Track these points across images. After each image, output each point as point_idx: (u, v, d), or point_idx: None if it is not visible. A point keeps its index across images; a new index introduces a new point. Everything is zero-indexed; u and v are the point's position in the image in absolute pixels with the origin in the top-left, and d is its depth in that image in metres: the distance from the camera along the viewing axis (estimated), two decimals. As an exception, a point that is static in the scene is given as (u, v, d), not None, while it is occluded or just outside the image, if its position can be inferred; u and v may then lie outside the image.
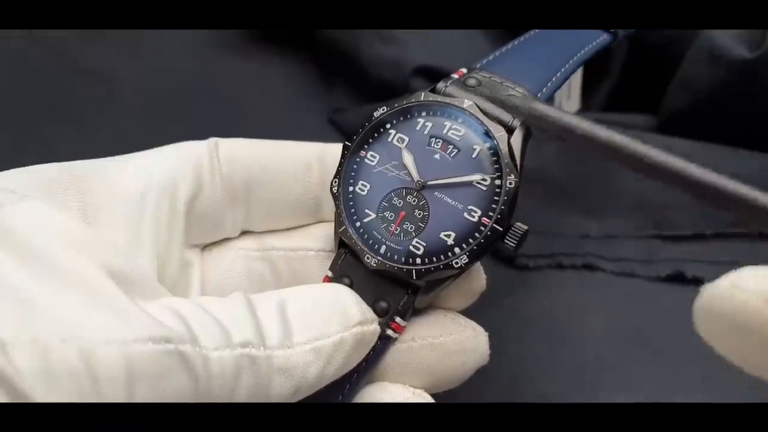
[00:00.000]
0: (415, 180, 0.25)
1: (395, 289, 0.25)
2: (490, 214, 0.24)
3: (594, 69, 0.42)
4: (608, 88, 0.45)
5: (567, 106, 0.39)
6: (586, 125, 0.21)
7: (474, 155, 0.25)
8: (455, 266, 0.24)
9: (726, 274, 0.17)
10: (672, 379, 0.33)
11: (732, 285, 0.16)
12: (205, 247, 0.28)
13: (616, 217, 0.39)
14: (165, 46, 0.49)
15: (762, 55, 0.37)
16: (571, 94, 0.39)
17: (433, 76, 0.42)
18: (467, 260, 0.24)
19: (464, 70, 0.27)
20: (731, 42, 0.38)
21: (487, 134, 0.25)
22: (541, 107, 0.23)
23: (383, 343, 0.25)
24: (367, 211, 0.26)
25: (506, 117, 0.26)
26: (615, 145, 0.21)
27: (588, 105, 0.44)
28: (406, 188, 0.26)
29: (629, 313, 0.35)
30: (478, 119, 0.25)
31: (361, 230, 0.26)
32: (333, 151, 0.28)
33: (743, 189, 0.18)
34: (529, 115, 0.23)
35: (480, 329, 0.26)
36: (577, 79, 0.39)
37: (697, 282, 0.36)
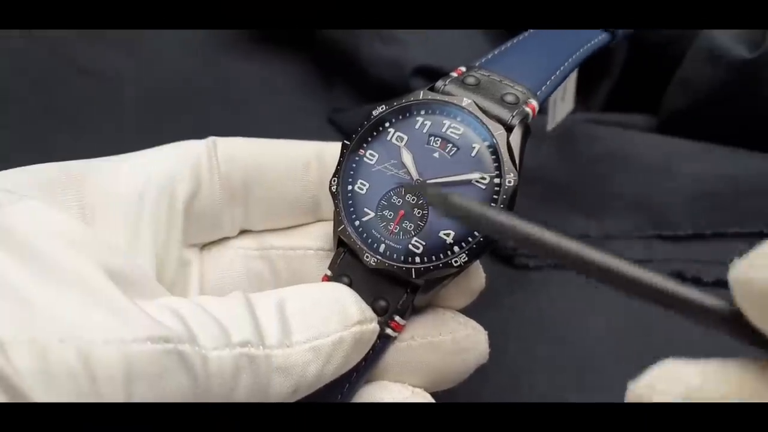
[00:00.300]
0: (414, 179, 0.25)
1: (394, 287, 0.25)
2: None
3: (594, 69, 0.42)
4: (608, 88, 0.45)
5: (561, 108, 0.39)
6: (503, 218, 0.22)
7: (473, 154, 0.25)
8: (454, 265, 0.24)
9: (648, 370, 0.17)
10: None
11: (648, 386, 0.17)
12: (204, 246, 0.28)
13: (616, 217, 0.39)
14: (165, 46, 0.49)
15: (762, 55, 0.37)
16: (565, 96, 0.39)
17: (433, 76, 0.42)
18: (466, 259, 0.24)
19: (463, 69, 0.27)
20: (731, 42, 0.38)
21: (487, 132, 0.25)
22: (462, 200, 0.23)
23: (382, 342, 0.25)
24: (366, 209, 0.26)
25: (505, 115, 0.26)
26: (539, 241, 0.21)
27: (588, 105, 0.44)
28: (405, 187, 0.26)
29: (629, 313, 0.35)
30: (477, 118, 0.25)
31: (360, 229, 0.26)
32: (331, 149, 0.28)
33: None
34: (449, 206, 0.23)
35: (479, 328, 0.26)
36: (572, 80, 0.39)
37: (697, 282, 0.36)
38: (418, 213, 0.25)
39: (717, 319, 0.17)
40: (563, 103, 0.39)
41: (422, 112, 0.26)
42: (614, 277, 0.19)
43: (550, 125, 0.39)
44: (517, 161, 0.25)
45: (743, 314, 0.17)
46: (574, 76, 0.39)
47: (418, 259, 0.25)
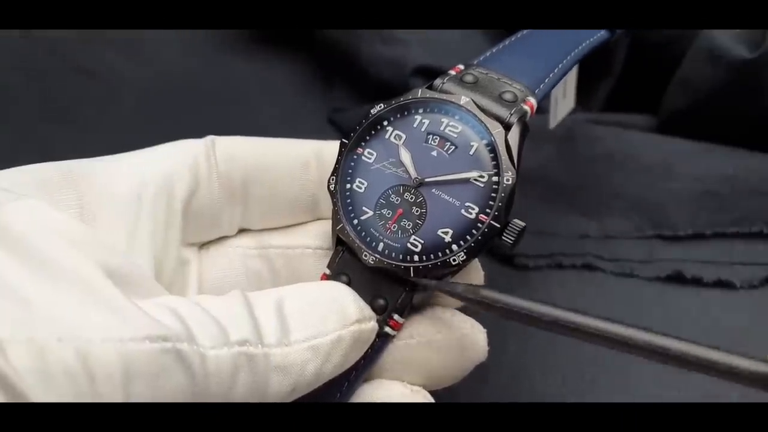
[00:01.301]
0: (413, 177, 0.25)
1: (393, 286, 0.25)
2: (488, 210, 0.24)
3: (593, 69, 0.42)
4: (608, 88, 0.45)
5: (562, 105, 0.39)
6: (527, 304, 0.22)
7: (471, 152, 0.25)
8: (453, 263, 0.24)
9: None
10: (671, 378, 0.33)
11: None
12: (203, 245, 0.28)
13: (616, 217, 0.39)
14: (165, 46, 0.49)
15: (762, 55, 0.37)
16: (566, 93, 0.39)
17: (432, 75, 0.42)
18: (465, 257, 0.24)
19: (461, 67, 0.27)
20: (731, 42, 0.38)
21: (485, 131, 0.25)
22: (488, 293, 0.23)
23: (381, 340, 0.25)
24: (364, 208, 0.26)
25: (503, 113, 0.26)
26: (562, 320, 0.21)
27: (588, 105, 0.44)
28: (403, 185, 0.26)
29: (629, 313, 0.35)
30: (476, 116, 0.25)
31: (359, 228, 0.26)
32: (330, 148, 0.27)
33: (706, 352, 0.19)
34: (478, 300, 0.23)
35: (478, 326, 0.26)
36: (572, 78, 0.39)
37: (697, 282, 0.36)
38: (417, 211, 0.25)
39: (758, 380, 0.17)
40: (564, 101, 0.39)
41: (420, 111, 0.26)
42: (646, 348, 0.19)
43: (552, 123, 0.39)
44: (515, 159, 0.25)
45: None
46: (574, 73, 0.39)
47: (416, 258, 0.25)
